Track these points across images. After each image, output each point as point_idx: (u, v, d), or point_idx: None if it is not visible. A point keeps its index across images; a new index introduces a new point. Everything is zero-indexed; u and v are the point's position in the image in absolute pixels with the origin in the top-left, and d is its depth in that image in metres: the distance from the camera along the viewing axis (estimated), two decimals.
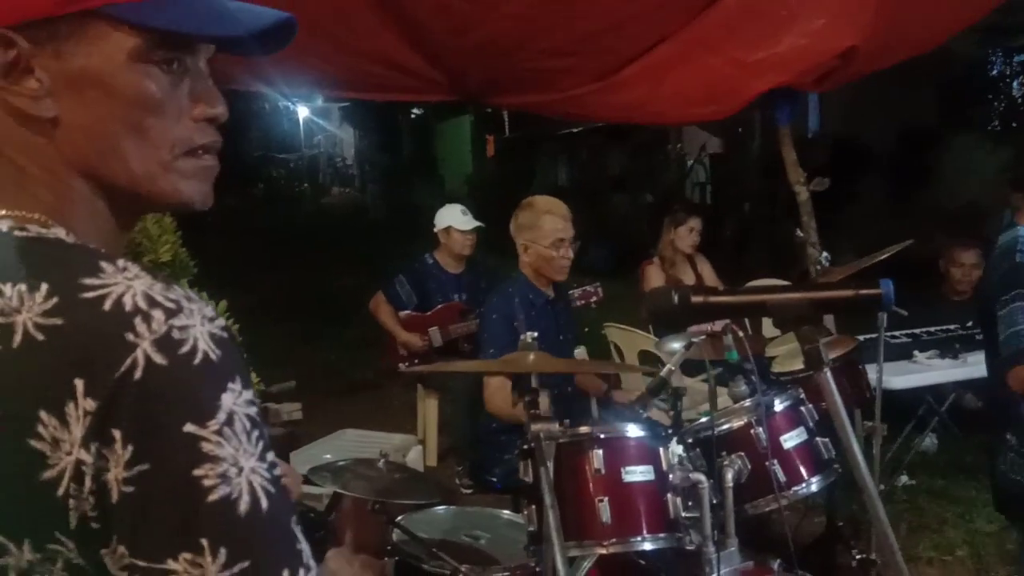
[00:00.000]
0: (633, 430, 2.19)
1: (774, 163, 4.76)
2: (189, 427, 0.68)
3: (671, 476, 2.13)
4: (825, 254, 3.32)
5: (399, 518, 2.35)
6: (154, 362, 0.68)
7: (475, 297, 4.60)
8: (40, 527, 0.70)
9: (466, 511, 2.72)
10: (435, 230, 4.77)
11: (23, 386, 0.70)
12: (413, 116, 20.10)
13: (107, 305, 0.70)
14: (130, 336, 0.69)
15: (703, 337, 2.44)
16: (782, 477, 2.27)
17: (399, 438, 4.47)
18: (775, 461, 2.26)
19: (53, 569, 0.71)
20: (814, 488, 2.36)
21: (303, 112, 25.49)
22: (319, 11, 2.94)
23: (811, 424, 2.40)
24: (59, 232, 0.77)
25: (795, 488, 2.31)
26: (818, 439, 2.37)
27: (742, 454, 2.25)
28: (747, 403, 2.37)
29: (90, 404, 0.68)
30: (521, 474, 2.16)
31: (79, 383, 0.68)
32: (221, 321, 0.74)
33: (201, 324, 0.71)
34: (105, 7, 0.75)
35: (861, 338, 3.34)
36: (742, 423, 2.31)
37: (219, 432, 0.69)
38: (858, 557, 2.88)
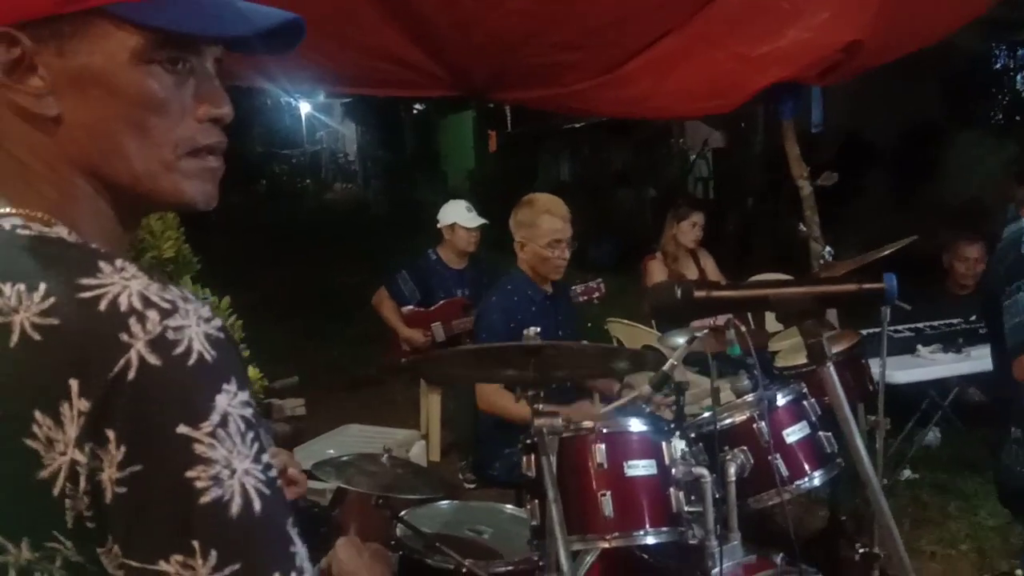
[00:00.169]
0: (636, 424, 2.19)
1: (777, 158, 4.75)
2: (182, 428, 0.68)
3: (674, 470, 2.14)
4: (828, 248, 3.31)
5: (403, 513, 2.35)
6: (148, 363, 0.68)
7: (478, 293, 4.58)
8: (37, 526, 0.71)
9: (469, 506, 2.72)
10: (439, 226, 4.75)
11: (19, 386, 0.70)
12: (415, 112, 20.09)
13: (102, 305, 0.70)
14: (124, 336, 0.69)
15: (706, 332, 2.43)
16: (785, 471, 2.27)
17: (402, 433, 4.47)
18: (778, 455, 2.25)
19: (52, 567, 0.71)
20: (817, 482, 2.36)
21: (305, 108, 25.42)
22: (322, 6, 2.93)
23: (814, 418, 2.39)
24: (61, 231, 0.77)
25: (798, 482, 2.31)
26: (821, 433, 2.37)
27: (745, 448, 2.26)
28: (750, 398, 2.37)
29: (84, 404, 0.68)
30: (524, 469, 2.17)
31: (74, 383, 0.68)
32: (218, 322, 0.73)
33: (196, 325, 0.71)
34: (108, 6, 0.75)
35: (864, 332, 3.34)
36: (745, 417, 2.31)
37: (212, 434, 0.68)
38: (861, 551, 2.88)
